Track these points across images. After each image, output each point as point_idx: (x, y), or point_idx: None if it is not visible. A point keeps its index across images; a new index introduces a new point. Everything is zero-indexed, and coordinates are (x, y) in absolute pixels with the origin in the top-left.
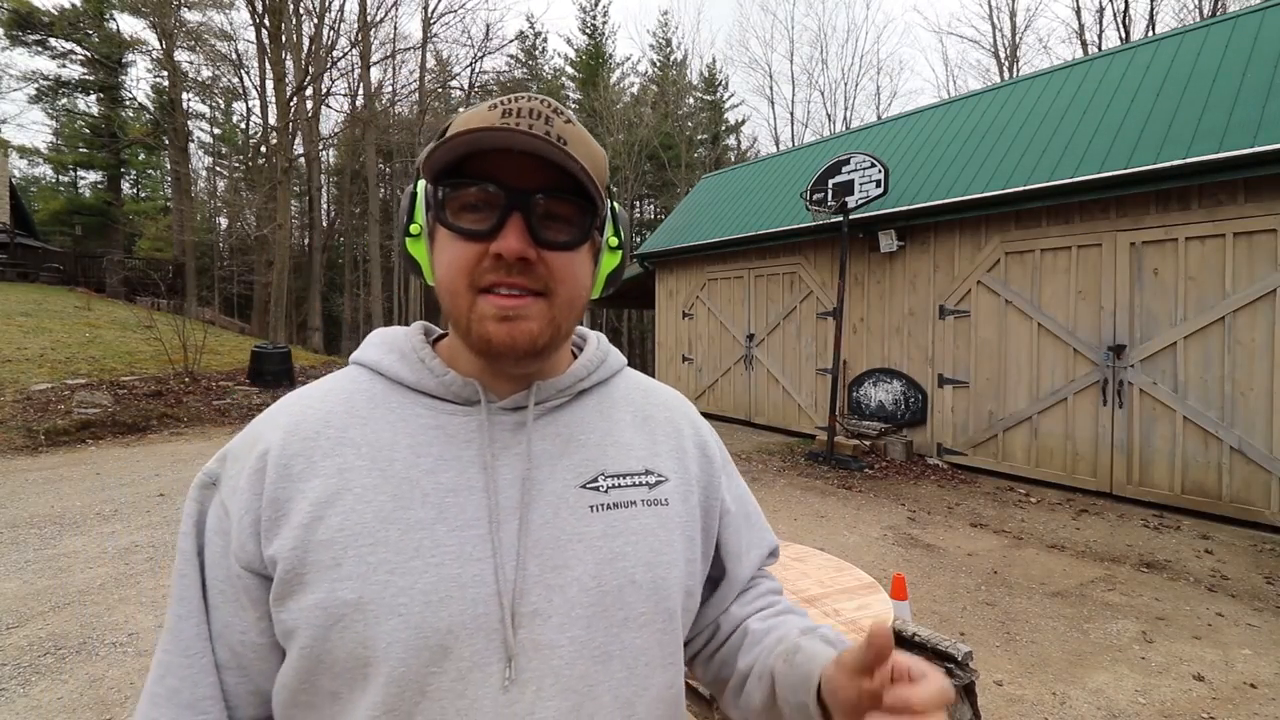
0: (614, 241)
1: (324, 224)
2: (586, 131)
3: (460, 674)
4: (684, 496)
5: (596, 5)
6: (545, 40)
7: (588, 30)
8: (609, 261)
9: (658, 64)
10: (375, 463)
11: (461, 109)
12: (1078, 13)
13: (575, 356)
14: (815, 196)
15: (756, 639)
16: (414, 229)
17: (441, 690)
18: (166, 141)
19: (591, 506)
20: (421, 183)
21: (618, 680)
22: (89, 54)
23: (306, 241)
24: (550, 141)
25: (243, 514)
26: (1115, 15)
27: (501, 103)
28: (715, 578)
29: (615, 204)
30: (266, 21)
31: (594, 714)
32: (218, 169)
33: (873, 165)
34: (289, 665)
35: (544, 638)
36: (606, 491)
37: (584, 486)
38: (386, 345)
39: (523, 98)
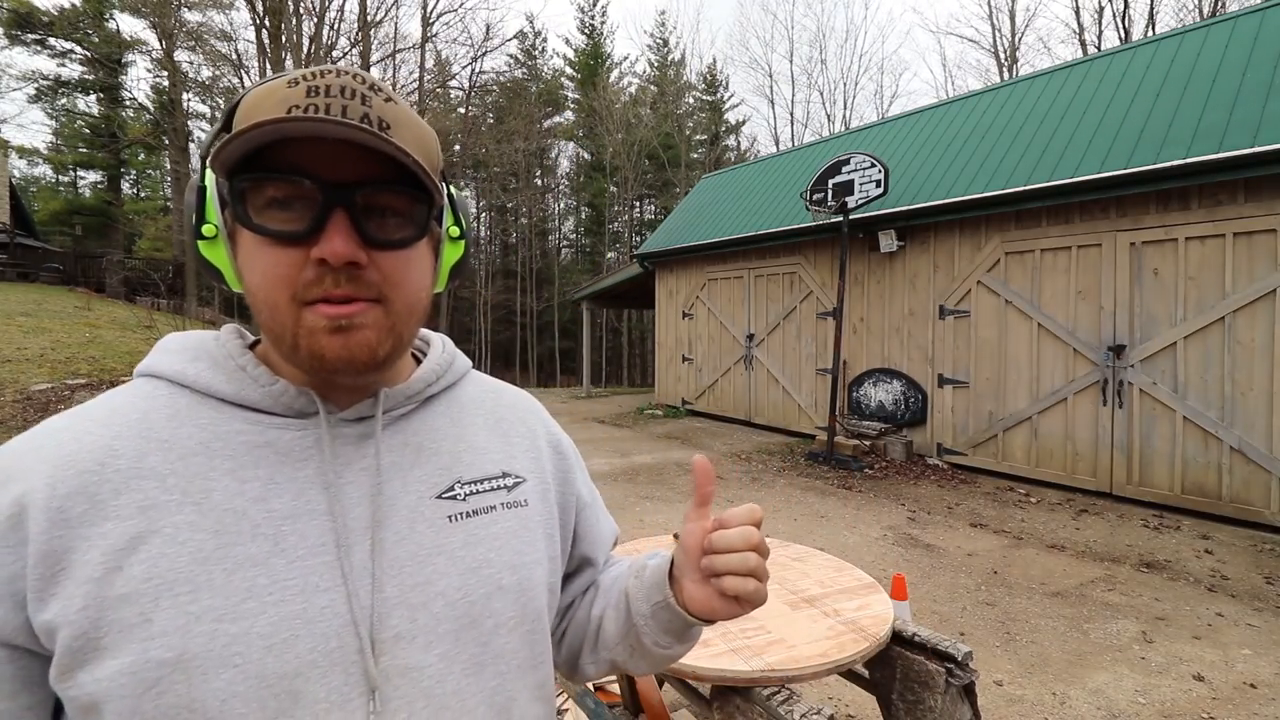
0: (455, 231)
1: None
2: (411, 110)
3: (317, 718)
4: (542, 495)
5: (595, 5)
6: (545, 40)
7: (586, 30)
8: (451, 253)
9: (655, 64)
10: (187, 495)
11: (249, 81)
12: (1077, 13)
13: (418, 361)
14: (815, 196)
15: (603, 587)
16: (207, 230)
17: None
18: (166, 141)
19: (450, 516)
20: (210, 174)
21: (490, 689)
22: (89, 54)
23: None
24: (373, 132)
25: None
26: (1115, 15)
27: (305, 78)
28: (579, 565)
29: (453, 189)
30: (266, 22)
31: None
32: None
33: (873, 165)
34: None
35: (410, 660)
36: (465, 499)
37: (440, 497)
38: (191, 352)
39: (331, 72)
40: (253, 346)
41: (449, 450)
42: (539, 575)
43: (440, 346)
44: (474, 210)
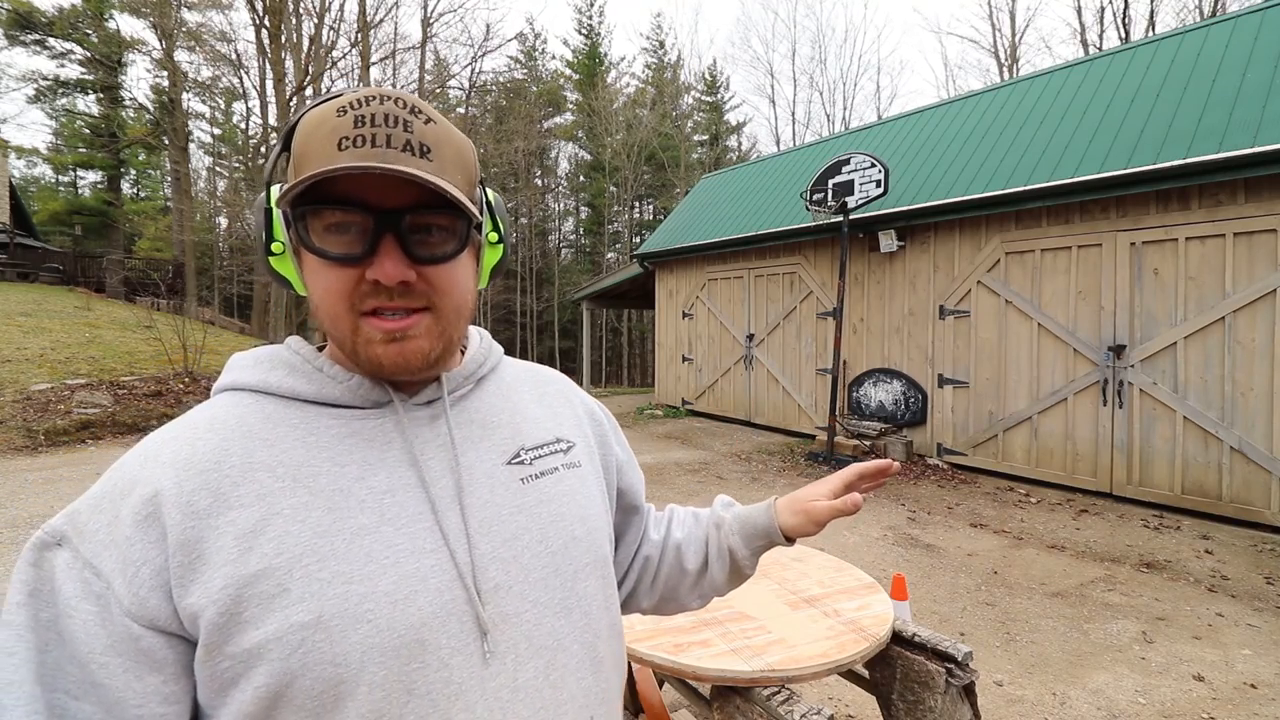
0: (494, 237)
1: None
2: (449, 125)
3: (443, 661)
4: (589, 457)
5: (592, 5)
6: (544, 41)
7: (584, 31)
8: (491, 256)
9: (652, 66)
10: (298, 481)
11: (310, 99)
12: (1078, 12)
13: (462, 350)
14: (815, 196)
15: (689, 544)
16: (276, 248)
17: (428, 682)
18: (166, 141)
19: (522, 479)
20: (274, 196)
21: (579, 628)
22: (88, 54)
23: None
24: (413, 174)
25: (139, 565)
26: (1115, 15)
27: (352, 106)
28: (630, 513)
29: (489, 193)
30: (266, 22)
31: (565, 664)
32: (218, 169)
33: (873, 165)
34: (234, 715)
35: (510, 607)
36: (531, 463)
37: (509, 463)
38: (267, 363)
39: (375, 98)
40: (320, 350)
41: (508, 422)
42: (602, 525)
43: (479, 336)
44: (509, 213)
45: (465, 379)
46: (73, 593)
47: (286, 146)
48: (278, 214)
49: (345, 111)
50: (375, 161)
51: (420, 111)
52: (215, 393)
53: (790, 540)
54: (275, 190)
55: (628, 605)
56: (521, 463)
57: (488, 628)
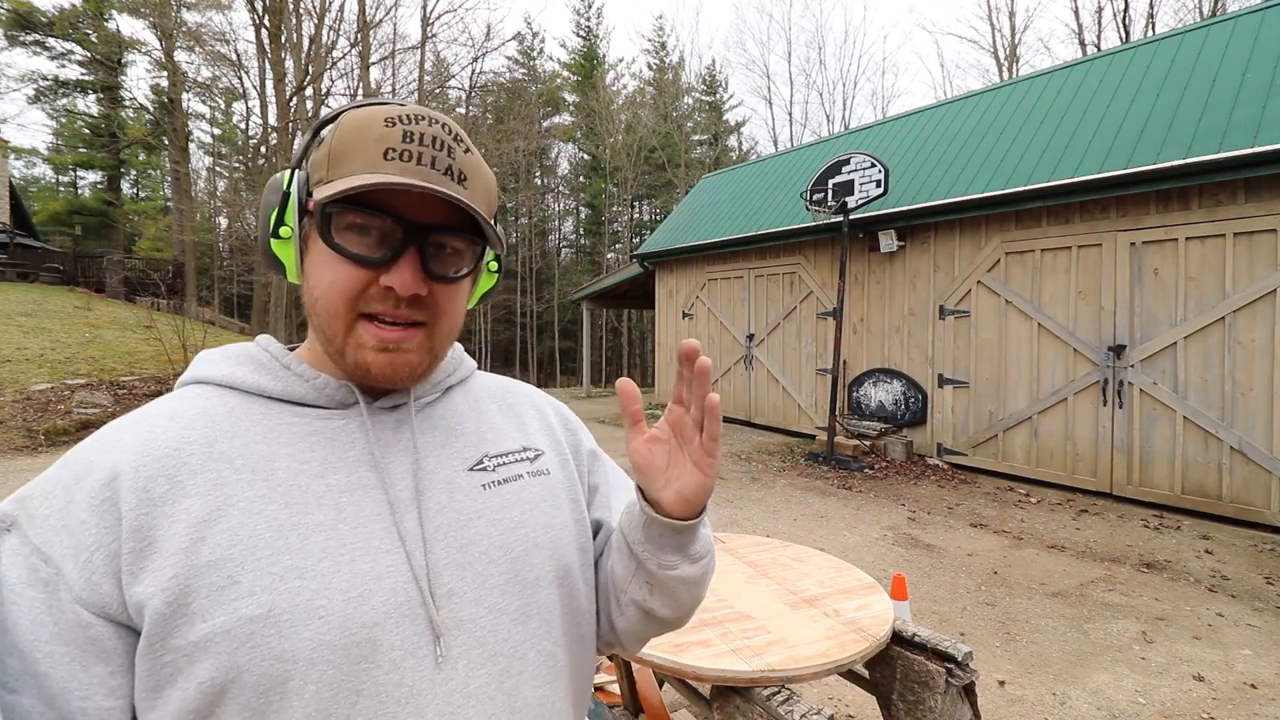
0: (494, 266)
1: None
2: (479, 157)
3: (394, 663)
4: (562, 465)
5: (590, 8)
6: (542, 41)
7: (581, 33)
8: (486, 281)
9: (653, 67)
10: (255, 473)
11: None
12: (1077, 13)
13: None
14: (815, 196)
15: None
16: (284, 233)
17: (378, 683)
18: (166, 141)
19: (484, 485)
20: (293, 182)
21: (537, 636)
22: (88, 54)
23: None
24: (458, 199)
25: (93, 550)
26: (1115, 15)
27: (401, 120)
28: (595, 528)
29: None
30: (266, 22)
31: (522, 671)
32: (218, 169)
33: (873, 165)
34: (173, 714)
35: (464, 613)
36: (494, 470)
37: (472, 469)
38: (234, 359)
39: (424, 120)
40: (291, 349)
41: (473, 430)
42: (567, 535)
43: (451, 348)
44: (507, 243)
45: (433, 386)
46: (17, 579)
47: (317, 134)
48: (294, 200)
49: (394, 124)
50: (421, 180)
51: (461, 140)
52: (180, 385)
53: (659, 510)
54: (299, 175)
55: (608, 632)
56: (484, 469)
57: (441, 631)
